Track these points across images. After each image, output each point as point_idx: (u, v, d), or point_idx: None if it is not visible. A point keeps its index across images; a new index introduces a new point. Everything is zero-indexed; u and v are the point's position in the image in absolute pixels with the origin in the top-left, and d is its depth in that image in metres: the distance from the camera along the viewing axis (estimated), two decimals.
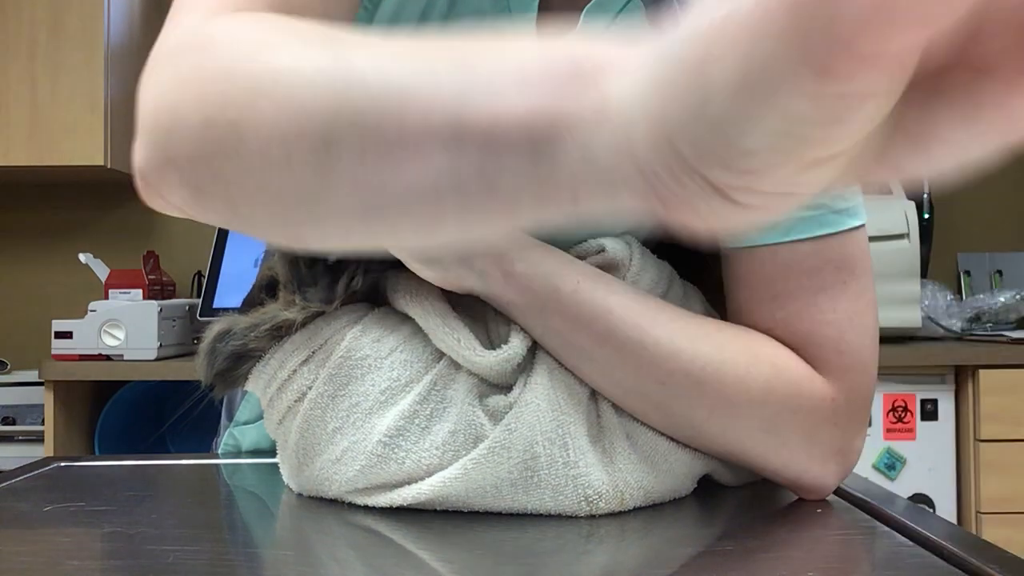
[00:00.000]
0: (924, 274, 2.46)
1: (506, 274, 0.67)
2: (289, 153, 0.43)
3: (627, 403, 0.69)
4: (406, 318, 0.70)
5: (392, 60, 0.42)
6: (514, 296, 0.68)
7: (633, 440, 0.69)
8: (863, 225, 0.72)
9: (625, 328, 0.67)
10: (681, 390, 0.67)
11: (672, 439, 0.69)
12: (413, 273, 0.72)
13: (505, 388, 0.68)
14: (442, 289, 0.70)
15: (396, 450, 0.66)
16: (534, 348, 0.69)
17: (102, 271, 2.36)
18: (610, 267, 0.71)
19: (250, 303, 0.73)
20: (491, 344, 0.68)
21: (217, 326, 0.72)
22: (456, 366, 0.68)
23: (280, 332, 0.70)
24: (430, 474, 0.65)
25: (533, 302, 0.67)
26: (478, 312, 0.71)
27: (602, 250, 0.71)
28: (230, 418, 0.94)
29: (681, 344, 0.68)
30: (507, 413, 0.66)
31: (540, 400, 0.66)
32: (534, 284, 0.67)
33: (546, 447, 0.65)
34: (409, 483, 0.66)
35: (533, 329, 0.68)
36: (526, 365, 0.68)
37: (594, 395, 0.69)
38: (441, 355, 0.68)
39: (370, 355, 0.68)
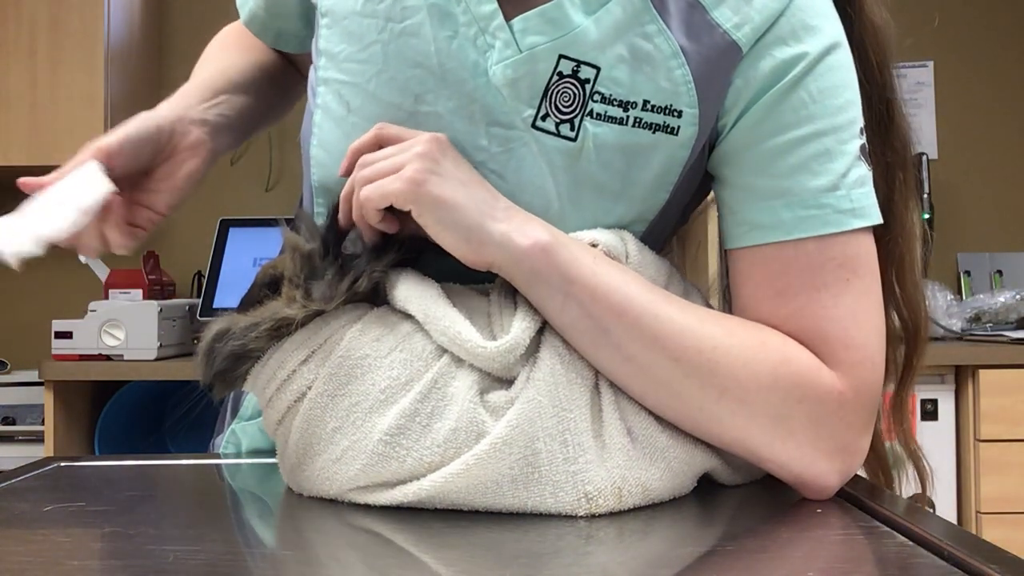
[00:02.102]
0: (924, 274, 2.45)
1: (532, 241, 0.68)
2: None
3: (637, 384, 0.69)
4: (405, 317, 0.70)
5: None
6: (537, 262, 0.68)
7: (633, 436, 0.69)
8: (869, 228, 0.72)
9: (642, 301, 0.68)
10: (693, 368, 0.67)
11: (672, 434, 0.69)
12: (414, 272, 0.72)
13: (506, 383, 0.68)
14: (441, 287, 0.70)
15: (397, 448, 0.66)
16: (537, 340, 0.69)
17: (102, 271, 2.35)
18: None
19: (249, 302, 0.72)
20: (493, 338, 0.68)
21: (216, 326, 0.72)
22: (457, 363, 0.68)
23: (280, 332, 0.70)
24: (432, 471, 0.65)
25: (555, 270, 0.68)
26: (479, 308, 0.71)
27: (594, 243, 0.72)
28: (235, 415, 0.94)
29: (693, 323, 0.68)
30: (508, 409, 0.66)
31: (542, 396, 0.66)
32: (559, 252, 0.68)
33: (547, 443, 0.65)
34: (411, 480, 0.66)
35: (552, 300, 0.68)
36: (529, 358, 0.68)
37: (596, 390, 0.69)
38: (441, 353, 0.68)
39: (370, 354, 0.68)
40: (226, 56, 0.95)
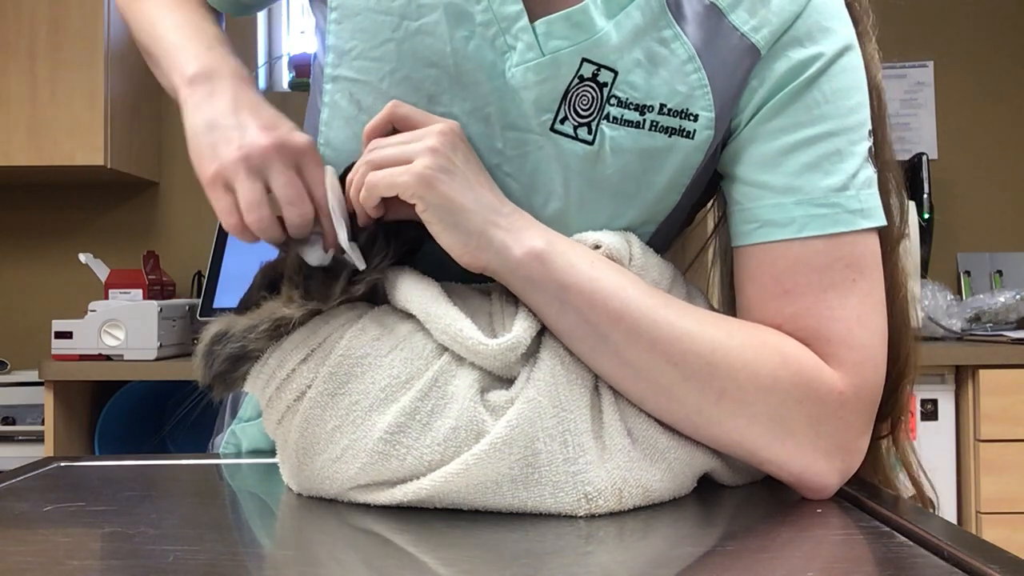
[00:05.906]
0: (924, 274, 2.46)
1: (526, 249, 0.68)
2: None
3: (636, 388, 0.69)
4: (405, 316, 0.70)
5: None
6: (532, 270, 0.68)
7: (634, 437, 0.69)
8: (875, 229, 0.72)
9: (640, 307, 0.68)
10: (692, 371, 0.67)
11: (673, 435, 0.69)
12: (414, 272, 0.72)
13: (507, 383, 0.68)
14: (442, 287, 0.70)
15: (397, 447, 0.66)
16: (537, 341, 0.69)
17: (102, 271, 2.35)
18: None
19: (247, 303, 0.72)
20: (494, 337, 0.68)
21: (213, 328, 0.71)
22: (458, 362, 0.68)
23: (278, 332, 0.70)
24: (432, 470, 0.65)
25: (551, 278, 0.68)
26: (480, 308, 0.71)
27: (598, 245, 0.72)
28: (235, 415, 0.94)
29: (692, 327, 0.68)
30: (508, 409, 0.66)
31: (542, 396, 0.66)
32: (554, 259, 0.68)
33: (547, 443, 0.65)
34: (410, 479, 0.66)
35: (549, 307, 0.68)
36: (529, 358, 0.68)
37: (596, 391, 0.69)
38: (442, 352, 0.68)
39: (370, 353, 0.68)
40: (204, 11, 0.88)
